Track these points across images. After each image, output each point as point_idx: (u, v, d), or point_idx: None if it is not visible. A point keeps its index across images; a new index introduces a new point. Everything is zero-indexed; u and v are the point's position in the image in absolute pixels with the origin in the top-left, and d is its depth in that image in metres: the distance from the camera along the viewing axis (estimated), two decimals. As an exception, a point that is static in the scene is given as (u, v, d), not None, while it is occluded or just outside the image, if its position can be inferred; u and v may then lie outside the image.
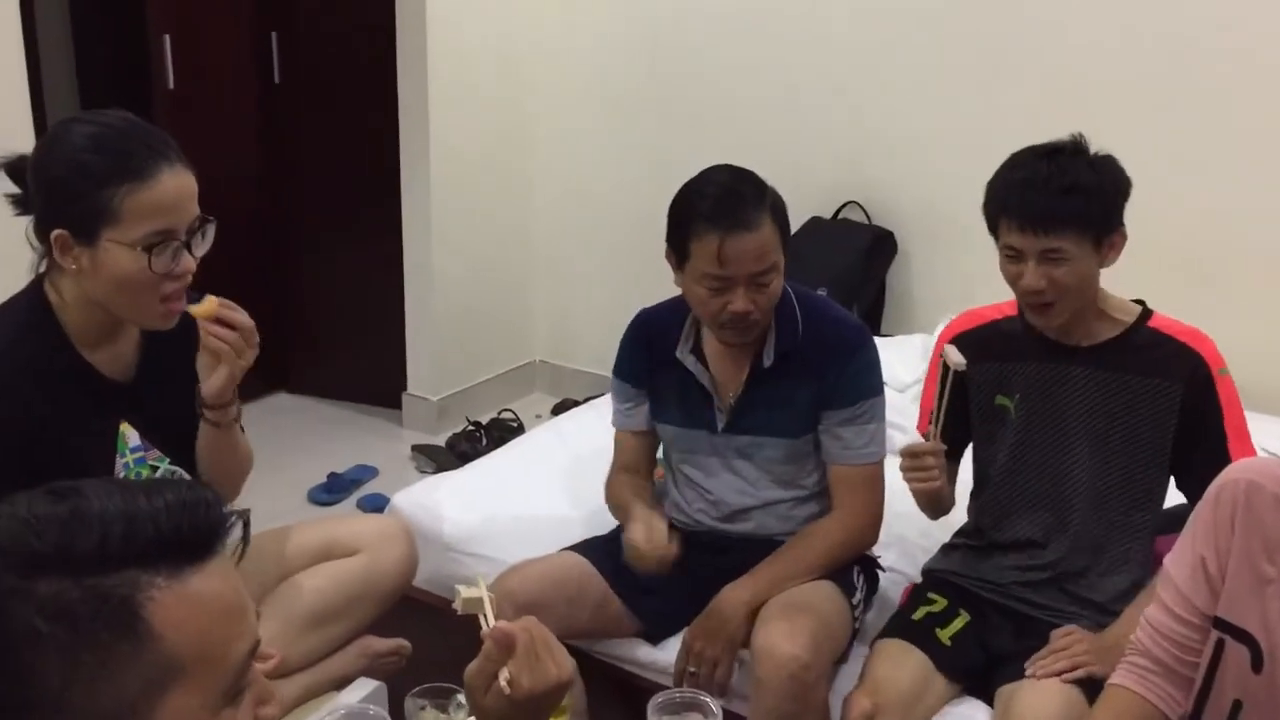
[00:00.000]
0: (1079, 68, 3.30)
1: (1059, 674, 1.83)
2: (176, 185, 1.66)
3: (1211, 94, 3.16)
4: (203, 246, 1.72)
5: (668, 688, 1.92)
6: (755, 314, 2.01)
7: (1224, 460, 1.84)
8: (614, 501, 2.24)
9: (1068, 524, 2.02)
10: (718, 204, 1.99)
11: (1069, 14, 3.29)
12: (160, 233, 1.64)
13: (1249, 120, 3.13)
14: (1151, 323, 1.98)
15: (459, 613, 1.29)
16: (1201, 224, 3.23)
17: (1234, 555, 1.43)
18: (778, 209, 2.04)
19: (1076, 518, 2.01)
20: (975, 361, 2.05)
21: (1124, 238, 1.92)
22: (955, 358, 1.94)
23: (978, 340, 2.07)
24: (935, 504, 2.11)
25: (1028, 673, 1.87)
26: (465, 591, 1.29)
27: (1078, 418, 1.96)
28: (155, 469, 1.86)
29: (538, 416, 4.15)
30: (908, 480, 2.01)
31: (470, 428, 4.00)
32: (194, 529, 0.83)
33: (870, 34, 3.59)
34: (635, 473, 2.28)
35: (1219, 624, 1.45)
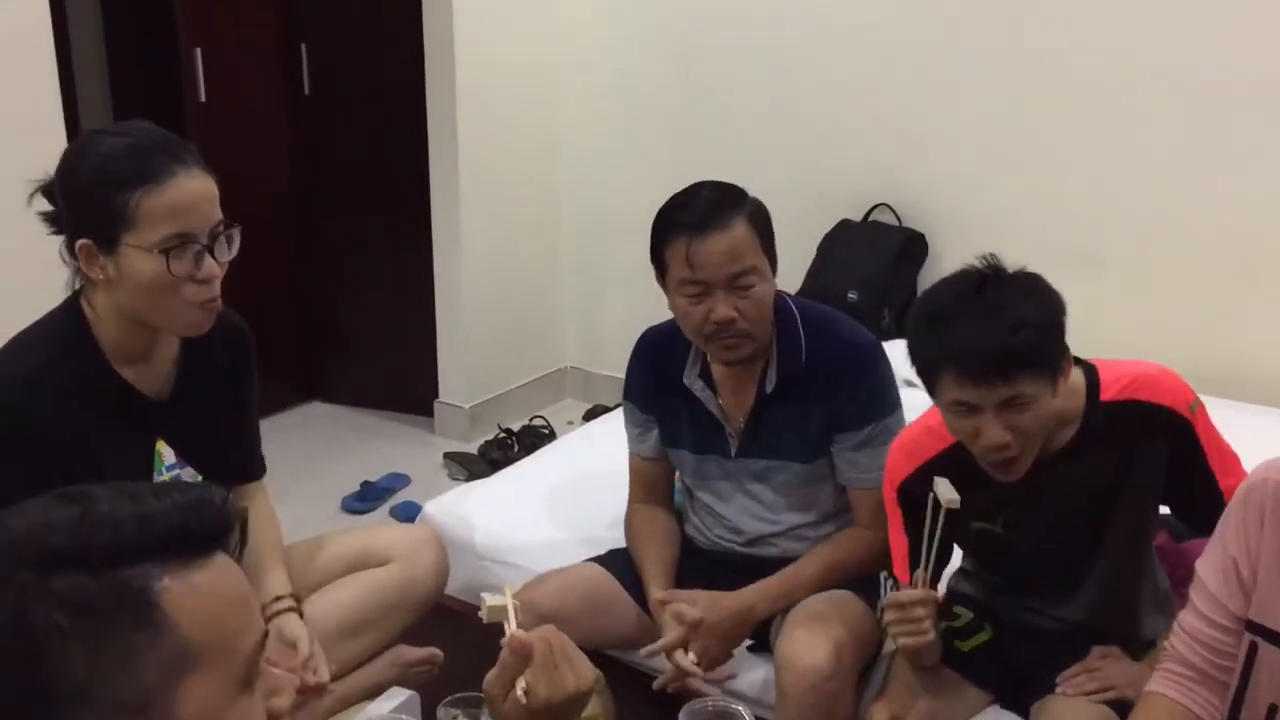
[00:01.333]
0: (1107, 68, 3.26)
1: (1089, 694, 1.78)
2: (193, 188, 1.66)
3: (1247, 85, 3.12)
4: (227, 252, 1.73)
5: (700, 695, 1.92)
6: (741, 322, 1.96)
7: (1218, 499, 1.70)
8: (634, 549, 2.20)
9: (1082, 591, 1.90)
10: (686, 209, 1.98)
11: (1097, 14, 3.26)
12: (177, 235, 1.64)
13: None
14: (1104, 394, 1.77)
15: (484, 621, 1.30)
16: (1238, 218, 3.19)
17: (1264, 555, 1.40)
18: (757, 214, 1.99)
19: (1090, 587, 1.89)
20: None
21: (1070, 363, 1.72)
22: (948, 494, 1.69)
23: (926, 477, 1.79)
24: (919, 658, 1.86)
25: (1059, 689, 1.82)
26: (490, 600, 1.30)
27: (1070, 512, 1.83)
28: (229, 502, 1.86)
29: (569, 423, 4.16)
30: (894, 634, 1.80)
31: (502, 435, 4.01)
32: (201, 525, 0.85)
33: (897, 36, 3.57)
34: (652, 503, 2.26)
35: (1251, 627, 1.42)
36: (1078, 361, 1.80)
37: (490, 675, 1.16)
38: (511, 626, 1.23)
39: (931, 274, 3.63)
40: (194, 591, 0.83)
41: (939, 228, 3.59)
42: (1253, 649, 1.42)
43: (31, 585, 0.79)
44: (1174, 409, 1.75)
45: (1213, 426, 1.80)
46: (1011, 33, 3.40)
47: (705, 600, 2.00)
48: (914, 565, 1.82)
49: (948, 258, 3.59)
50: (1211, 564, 1.47)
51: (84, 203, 1.66)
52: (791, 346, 2.06)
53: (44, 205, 1.73)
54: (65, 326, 1.74)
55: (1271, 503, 1.39)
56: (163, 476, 1.82)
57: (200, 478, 1.88)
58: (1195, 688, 1.49)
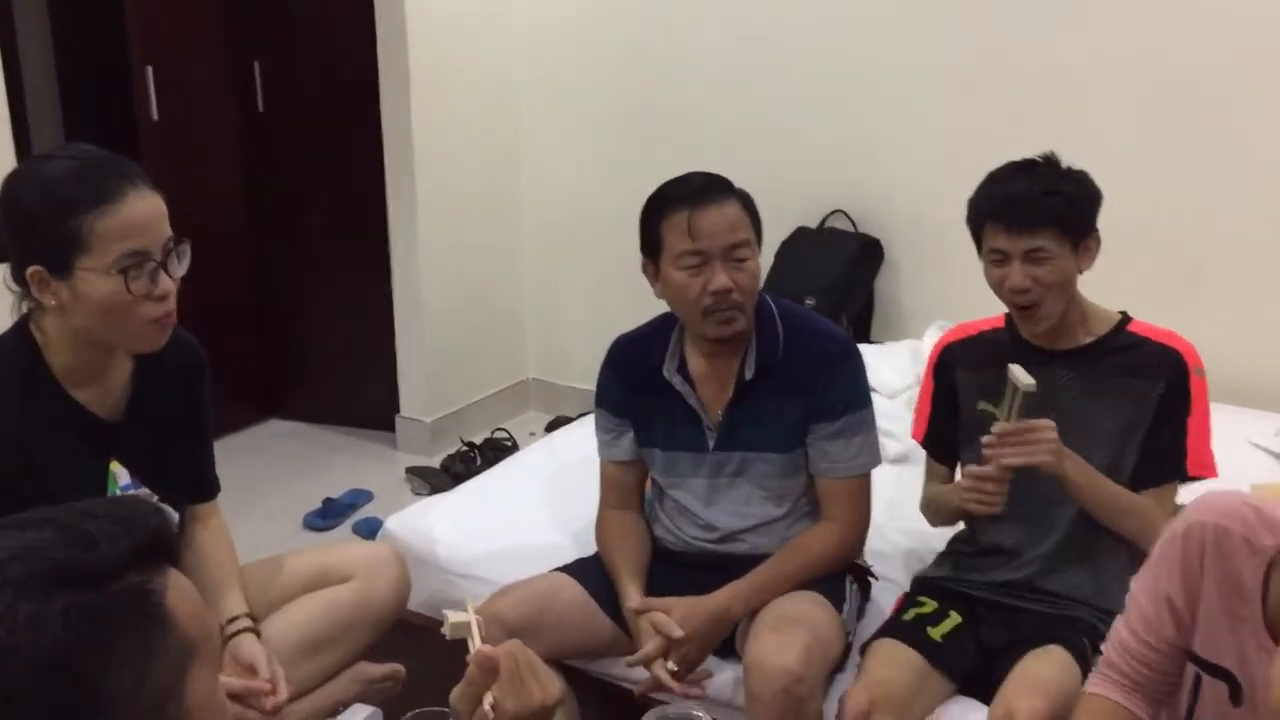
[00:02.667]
0: (1064, 76, 3.32)
1: (1013, 465, 1.92)
2: (144, 207, 1.66)
3: (1198, 100, 3.18)
4: (180, 267, 1.72)
5: (662, 703, 1.92)
6: (736, 294, 2.04)
7: (1181, 454, 1.98)
8: (605, 555, 2.22)
9: (1055, 523, 2.04)
10: (685, 186, 2.09)
11: (1054, 24, 3.31)
12: (133, 254, 1.64)
13: (1236, 122, 3.15)
14: (1131, 327, 2.05)
15: (448, 638, 1.30)
16: (1192, 223, 3.25)
17: (1204, 596, 1.44)
18: (747, 200, 2.10)
19: (1063, 517, 2.03)
20: (964, 369, 2.12)
21: (1098, 243, 2.01)
22: (1025, 379, 1.89)
23: (964, 350, 2.15)
24: (954, 519, 2.17)
25: (984, 451, 1.96)
26: (453, 617, 1.30)
27: (1060, 420, 1.96)
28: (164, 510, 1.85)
29: (532, 434, 4.16)
30: (966, 499, 2.01)
31: (464, 448, 4.00)
32: (160, 531, 0.90)
33: (854, 45, 3.61)
34: (625, 508, 2.27)
35: (1195, 660, 1.47)
36: (1122, 315, 2.07)
37: (456, 691, 1.16)
38: (476, 642, 1.23)
39: (887, 279, 3.67)
40: (181, 590, 0.89)
41: (894, 233, 3.63)
42: (1197, 680, 1.47)
43: (42, 611, 0.81)
44: (1183, 357, 2.00)
45: (1205, 400, 2.01)
46: (964, 42, 3.45)
47: (682, 608, 2.01)
48: (931, 434, 2.18)
49: (903, 263, 3.63)
50: (1146, 591, 1.52)
51: (33, 230, 1.64)
52: (769, 337, 2.12)
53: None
54: (14, 351, 1.73)
55: (1211, 546, 1.43)
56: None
57: (155, 498, 1.87)
58: (1131, 693, 1.55)
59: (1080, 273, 2.00)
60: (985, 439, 1.96)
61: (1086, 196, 2.00)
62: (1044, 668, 1.85)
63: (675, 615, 1.99)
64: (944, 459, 2.19)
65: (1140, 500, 1.98)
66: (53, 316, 1.70)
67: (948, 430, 2.16)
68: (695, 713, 1.57)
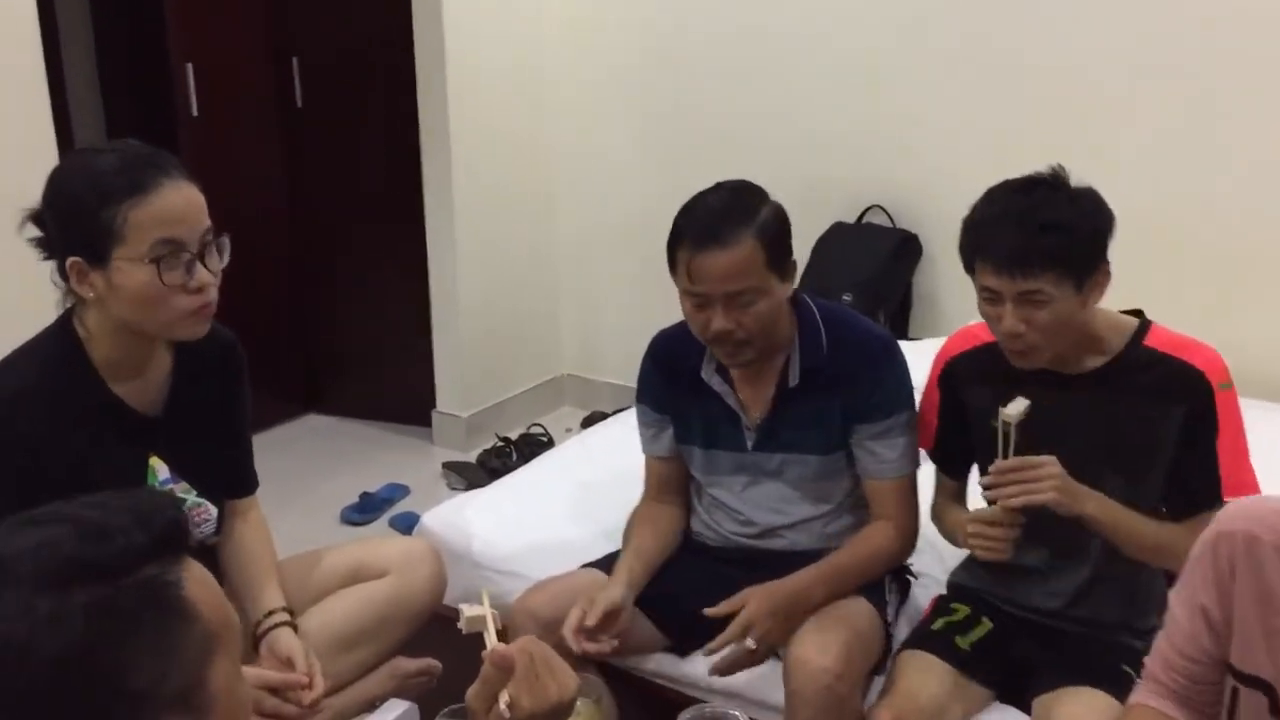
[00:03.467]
0: (1106, 68, 3.27)
1: (1014, 505, 1.77)
2: (178, 197, 1.67)
3: (1238, 92, 3.12)
4: (218, 261, 1.73)
5: (697, 701, 1.91)
6: (740, 334, 1.97)
7: (1214, 480, 1.81)
8: (624, 538, 2.21)
9: (1086, 548, 1.93)
10: (695, 219, 1.97)
11: (1086, 16, 3.27)
12: (166, 242, 1.65)
13: (1271, 113, 3.10)
14: (1148, 340, 1.86)
15: (463, 632, 1.29)
16: (1230, 216, 3.20)
17: (1238, 604, 1.40)
18: (769, 230, 1.96)
19: (1094, 542, 1.91)
20: (971, 384, 1.99)
21: (1108, 276, 1.80)
22: (1011, 410, 1.78)
23: (973, 362, 1.99)
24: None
25: (983, 494, 1.86)
26: (468, 610, 1.29)
27: (1076, 447, 1.84)
28: (183, 501, 1.87)
29: (568, 430, 4.16)
30: (973, 547, 1.87)
31: (500, 443, 4.01)
32: (176, 523, 0.91)
33: (892, 38, 3.58)
34: (666, 501, 2.26)
35: (1232, 672, 1.43)
36: (1138, 315, 1.90)
37: (472, 689, 1.16)
38: (491, 636, 1.23)
39: (925, 274, 3.64)
40: (200, 580, 0.89)
41: (932, 228, 3.59)
42: (1235, 693, 1.43)
43: (61, 606, 0.81)
44: (1205, 375, 1.81)
45: (1238, 415, 1.83)
46: (1001, 34, 3.41)
47: (760, 592, 1.97)
48: (939, 449, 2.04)
49: (941, 258, 3.59)
50: (1182, 602, 1.48)
51: (73, 221, 1.66)
52: (813, 343, 2.07)
53: (34, 232, 1.73)
54: (57, 345, 1.74)
55: (1242, 556, 1.39)
56: None
57: (194, 492, 1.88)
58: (1173, 705, 1.51)
59: (1086, 308, 1.79)
60: (982, 480, 1.83)
61: (1092, 229, 1.76)
62: (1087, 716, 1.76)
63: (753, 599, 1.94)
64: (953, 475, 2.10)
65: (1172, 534, 1.81)
66: (94, 310, 1.71)
67: (957, 446, 2.05)
68: (732, 712, 1.57)
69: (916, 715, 1.85)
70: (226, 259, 1.75)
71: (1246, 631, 1.40)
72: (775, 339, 2.05)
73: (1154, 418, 1.84)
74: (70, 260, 1.66)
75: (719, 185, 2.04)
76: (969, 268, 1.82)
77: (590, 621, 1.94)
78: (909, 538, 2.13)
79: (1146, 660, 1.54)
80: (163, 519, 0.88)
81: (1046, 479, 1.76)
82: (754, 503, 2.17)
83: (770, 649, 1.97)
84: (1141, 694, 1.55)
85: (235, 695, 0.91)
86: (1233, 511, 1.44)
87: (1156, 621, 1.55)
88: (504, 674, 1.14)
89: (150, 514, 0.88)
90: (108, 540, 0.84)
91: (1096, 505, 1.79)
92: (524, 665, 1.15)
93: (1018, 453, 1.79)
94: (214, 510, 1.93)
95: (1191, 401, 1.81)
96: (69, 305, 1.76)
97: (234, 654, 0.91)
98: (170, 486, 1.84)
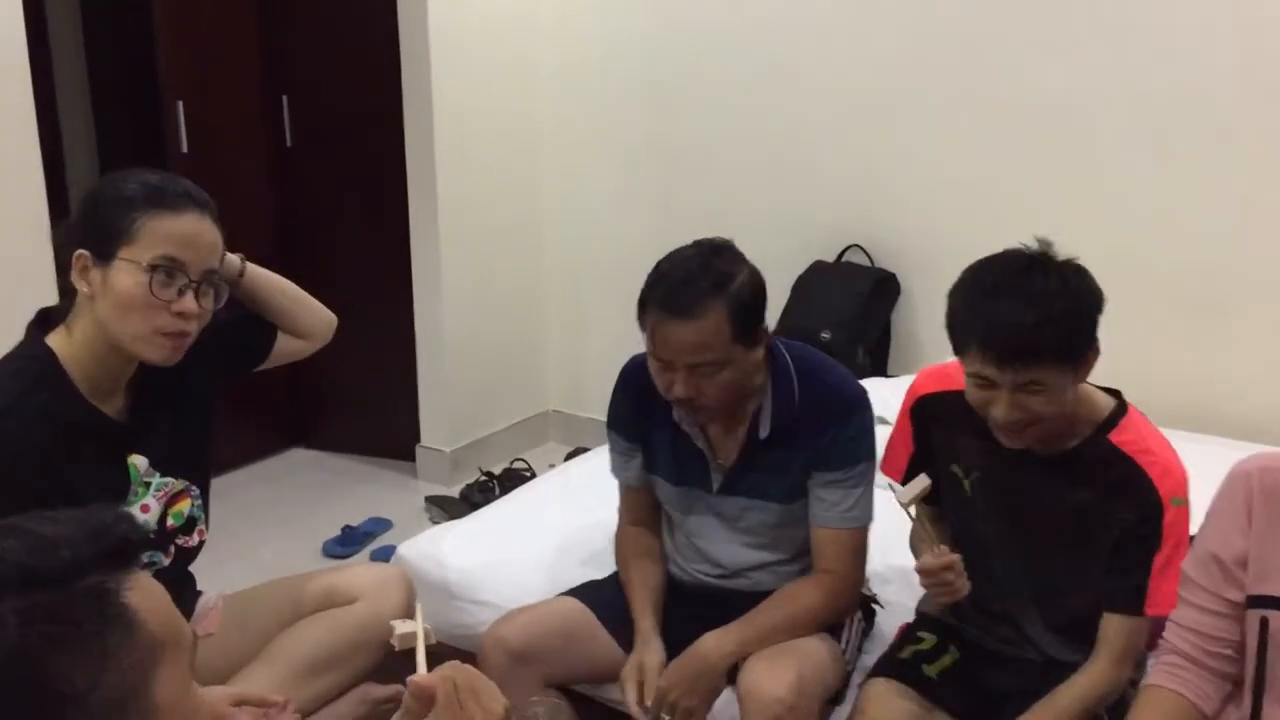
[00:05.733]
0: (1080, 110, 3.33)
1: (941, 601, 1.90)
2: (198, 227, 1.77)
3: (1210, 128, 3.18)
4: (212, 301, 1.80)
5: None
6: (701, 400, 1.95)
7: (1138, 591, 1.80)
8: (621, 572, 2.23)
9: (1037, 601, 1.95)
10: (663, 284, 1.94)
11: (1070, 57, 3.33)
12: (168, 258, 1.72)
13: (1247, 153, 3.15)
14: (1115, 434, 1.83)
15: (396, 649, 1.28)
16: (1207, 253, 3.24)
17: (1255, 535, 1.49)
18: (739, 299, 1.92)
19: (1043, 600, 1.94)
20: (940, 425, 1.99)
21: (1098, 354, 1.78)
22: (904, 497, 1.85)
23: (945, 407, 1.96)
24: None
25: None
26: (400, 627, 1.27)
27: (1033, 513, 1.88)
28: (165, 486, 1.92)
29: (551, 465, 4.15)
30: (932, 592, 1.93)
31: (484, 478, 4.02)
32: (127, 537, 0.92)
33: (871, 80, 3.64)
34: (643, 525, 2.26)
35: (1257, 601, 1.50)
36: (1116, 397, 1.88)
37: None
38: (421, 652, 1.21)
39: (903, 313, 3.68)
40: (147, 591, 0.90)
41: (910, 267, 3.64)
42: (1264, 623, 1.49)
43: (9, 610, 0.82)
44: (1157, 487, 1.79)
45: (1183, 533, 1.79)
46: (980, 78, 3.47)
47: (674, 666, 2.00)
48: (909, 477, 1.95)
49: (919, 296, 3.63)
50: (1195, 562, 1.59)
51: (94, 217, 1.76)
52: (785, 394, 2.05)
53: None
54: (35, 360, 1.78)
55: (1258, 491, 1.50)
56: (138, 488, 1.87)
57: (173, 478, 1.92)
58: (1190, 677, 1.58)
59: (1075, 386, 1.78)
60: (916, 566, 1.91)
61: (1085, 313, 1.74)
62: None
63: (668, 672, 1.99)
64: (925, 501, 2.06)
65: (1091, 684, 1.82)
66: (84, 315, 1.76)
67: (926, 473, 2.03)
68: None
69: None
70: (220, 303, 1.83)
71: (1266, 556, 1.49)
72: (743, 394, 2.04)
73: (1099, 514, 1.83)
74: (78, 252, 1.73)
75: (697, 244, 2.00)
76: (958, 350, 1.78)
77: (649, 699, 1.98)
78: (844, 595, 2.09)
79: (1163, 636, 1.62)
80: (113, 534, 0.90)
81: (958, 581, 1.85)
82: (720, 542, 2.17)
83: (689, 714, 1.97)
84: (1157, 675, 1.62)
85: (184, 708, 0.91)
86: (1246, 458, 1.57)
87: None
88: (424, 705, 1.13)
89: (101, 530, 0.89)
90: (53, 552, 0.86)
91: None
92: (445, 694, 1.14)
93: (971, 515, 1.89)
94: (205, 532, 1.99)
95: (1139, 513, 1.80)
96: (65, 310, 1.80)
97: (182, 665, 0.92)
98: (156, 477, 1.89)
